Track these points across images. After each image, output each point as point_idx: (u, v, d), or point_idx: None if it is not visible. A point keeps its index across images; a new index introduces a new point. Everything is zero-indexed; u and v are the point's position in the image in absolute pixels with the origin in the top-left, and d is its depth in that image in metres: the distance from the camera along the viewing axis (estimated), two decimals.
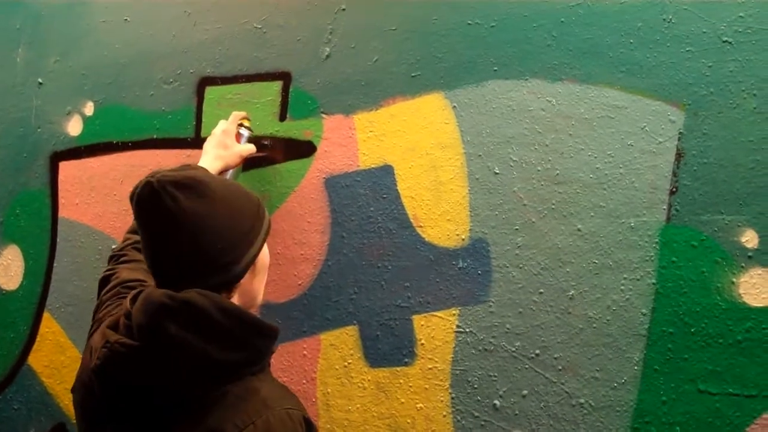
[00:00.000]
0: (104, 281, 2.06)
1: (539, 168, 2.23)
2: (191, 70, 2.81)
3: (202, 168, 1.70)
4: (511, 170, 2.26)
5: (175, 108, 2.82)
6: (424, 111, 2.39)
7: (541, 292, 2.22)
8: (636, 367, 2.09)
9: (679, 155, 2.08)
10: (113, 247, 2.20)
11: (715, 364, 2.01)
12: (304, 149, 2.57)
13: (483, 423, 2.26)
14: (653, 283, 2.09)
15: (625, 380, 2.10)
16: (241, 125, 2.49)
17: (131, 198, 1.59)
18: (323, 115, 2.55)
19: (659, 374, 2.07)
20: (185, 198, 1.54)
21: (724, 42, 2.05)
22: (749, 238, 1.99)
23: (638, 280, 2.10)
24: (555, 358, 2.19)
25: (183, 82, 2.83)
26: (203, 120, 2.77)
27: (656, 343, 2.07)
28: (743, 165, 2.01)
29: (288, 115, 2.61)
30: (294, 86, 2.62)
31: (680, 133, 2.09)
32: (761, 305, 1.97)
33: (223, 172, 2.36)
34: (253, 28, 2.71)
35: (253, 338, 1.60)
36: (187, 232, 1.54)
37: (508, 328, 2.25)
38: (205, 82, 2.79)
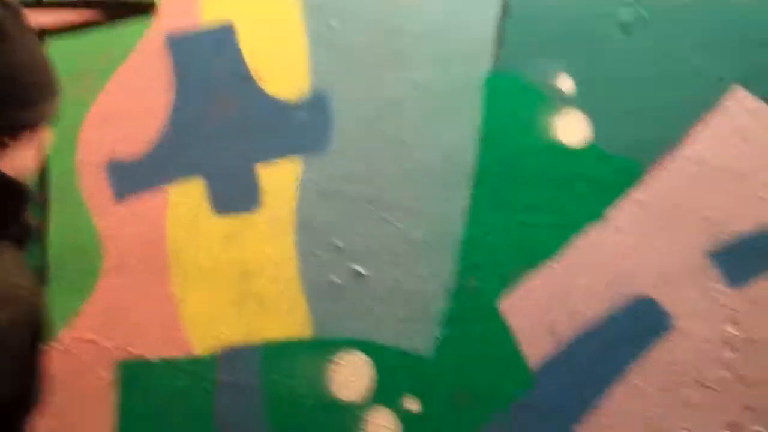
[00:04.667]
0: None
1: (374, 20, 2.27)
2: None
3: None
4: (347, 23, 2.29)
5: None
6: None
7: (377, 139, 2.29)
8: (464, 203, 2.21)
9: (504, 6, 2.17)
10: None
11: (534, 198, 2.16)
12: (144, 8, 2.50)
13: (326, 263, 2.34)
14: (479, 127, 2.19)
15: (454, 216, 2.23)
16: None
17: None
18: None
19: (484, 209, 2.20)
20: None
21: None
22: (566, 83, 2.12)
23: (466, 124, 2.21)
24: (391, 199, 2.28)
25: None
26: None
27: (482, 182, 2.20)
28: (562, 15, 2.13)
29: None
30: None
31: None
32: (575, 143, 2.12)
33: None
34: None
35: None
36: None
37: (347, 174, 2.31)
38: None
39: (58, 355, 2.53)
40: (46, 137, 1.40)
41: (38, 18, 2.60)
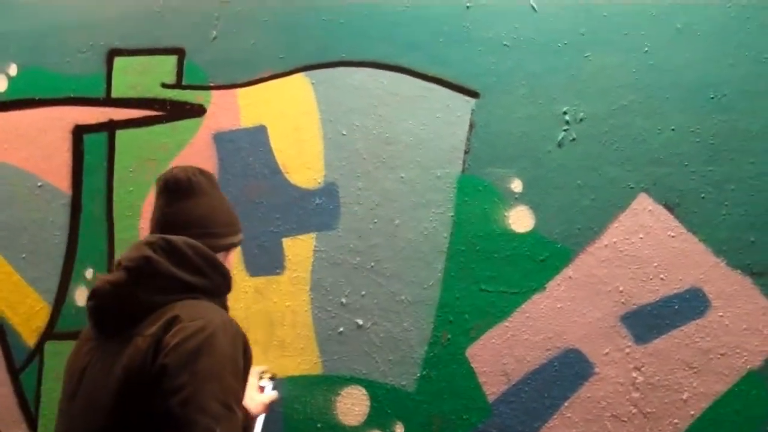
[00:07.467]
0: None
1: (374, 131, 2.86)
2: (101, 42, 3.24)
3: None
4: (354, 132, 2.88)
5: (89, 72, 3.23)
6: (290, 85, 2.95)
7: (375, 222, 2.85)
8: (439, 274, 2.78)
9: (471, 126, 2.76)
10: None
11: (492, 271, 2.73)
12: (196, 111, 3.08)
13: (333, 315, 2.89)
14: (452, 216, 2.77)
15: (432, 283, 2.79)
16: (261, 377, 2.76)
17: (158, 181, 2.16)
18: (211, 84, 3.07)
19: (455, 279, 2.76)
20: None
21: (504, 45, 2.73)
22: (516, 185, 2.71)
23: (442, 213, 2.77)
24: (385, 268, 2.84)
25: (95, 52, 3.24)
26: (113, 83, 3.23)
27: (453, 258, 2.77)
28: (514, 134, 2.71)
29: (182, 84, 3.12)
30: (187, 60, 3.10)
31: (472, 110, 2.75)
32: (523, 231, 2.71)
33: (252, 420, 2.49)
34: (153, 11, 3.15)
35: (209, 270, 2.00)
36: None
37: (351, 247, 2.88)
38: (114, 53, 3.22)
39: None
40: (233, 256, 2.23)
41: (108, 113, 3.19)
